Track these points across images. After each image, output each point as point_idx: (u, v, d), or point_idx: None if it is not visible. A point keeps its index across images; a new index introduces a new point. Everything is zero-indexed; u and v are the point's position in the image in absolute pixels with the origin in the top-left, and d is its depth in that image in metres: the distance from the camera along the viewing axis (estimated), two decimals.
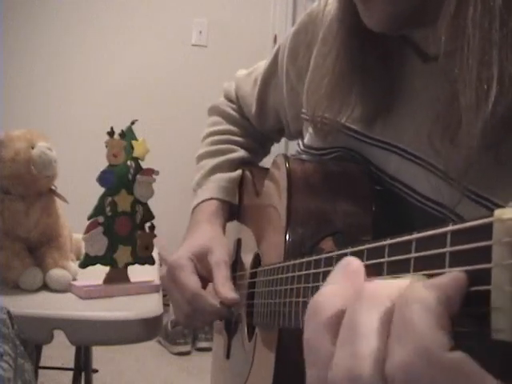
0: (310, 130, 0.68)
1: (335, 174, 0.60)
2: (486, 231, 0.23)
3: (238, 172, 0.84)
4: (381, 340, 0.25)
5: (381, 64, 0.58)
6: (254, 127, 0.89)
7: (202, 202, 0.80)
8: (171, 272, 0.71)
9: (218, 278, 0.69)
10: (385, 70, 0.58)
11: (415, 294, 0.24)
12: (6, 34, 2.66)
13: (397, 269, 0.28)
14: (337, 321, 0.27)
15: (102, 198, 0.94)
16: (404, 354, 0.23)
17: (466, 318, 0.24)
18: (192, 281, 0.69)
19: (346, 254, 0.34)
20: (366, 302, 0.26)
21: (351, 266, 0.29)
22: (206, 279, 0.72)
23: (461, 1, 0.44)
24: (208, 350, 2.33)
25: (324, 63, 0.62)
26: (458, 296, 0.24)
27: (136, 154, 0.97)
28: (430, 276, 0.26)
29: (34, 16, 2.73)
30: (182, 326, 0.77)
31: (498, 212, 0.22)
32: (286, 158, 0.61)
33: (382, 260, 0.29)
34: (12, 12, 2.68)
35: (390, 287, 0.26)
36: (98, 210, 0.93)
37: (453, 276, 0.24)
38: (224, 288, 0.68)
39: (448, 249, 0.25)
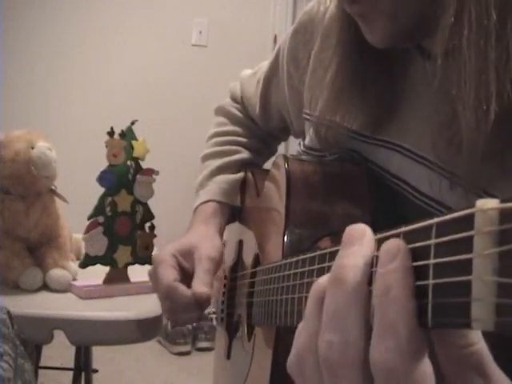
0: (311, 131, 0.68)
1: (335, 174, 0.60)
2: (468, 222, 0.23)
3: (241, 174, 0.84)
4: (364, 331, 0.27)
5: (383, 69, 0.58)
6: (259, 127, 0.89)
7: (203, 203, 0.81)
8: (153, 267, 0.72)
9: (197, 271, 0.69)
10: (386, 77, 0.58)
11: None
12: (6, 34, 2.66)
13: None
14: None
15: (102, 198, 0.94)
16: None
17: (449, 308, 0.24)
18: (168, 274, 0.69)
19: (338, 251, 0.34)
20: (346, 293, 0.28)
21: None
22: (190, 275, 0.71)
23: (455, 21, 0.44)
24: (208, 350, 2.33)
25: (324, 76, 0.61)
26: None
27: (136, 154, 0.97)
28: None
29: (33, 16, 2.74)
30: (169, 321, 0.77)
31: (479, 202, 0.22)
32: (286, 158, 0.61)
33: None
34: (12, 12, 2.68)
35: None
36: (98, 210, 0.93)
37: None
38: (197, 282, 0.68)
39: (433, 241, 0.25)
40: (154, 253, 1.01)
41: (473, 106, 0.43)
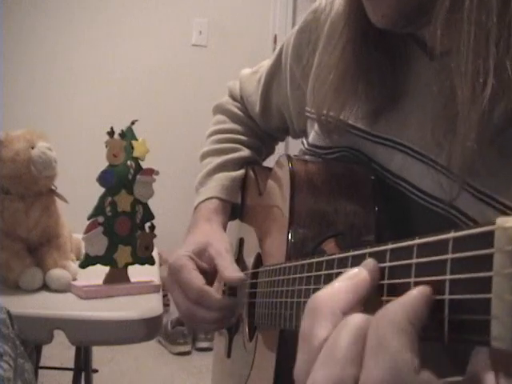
0: (316, 127, 0.67)
1: (338, 174, 0.60)
2: (487, 239, 0.22)
3: (241, 172, 0.84)
4: (355, 365, 0.27)
5: (386, 61, 0.58)
6: (258, 126, 0.89)
7: (204, 200, 0.80)
8: (172, 274, 0.70)
9: (221, 264, 0.68)
10: (390, 67, 0.58)
11: (388, 315, 0.26)
12: (6, 34, 2.66)
13: (398, 274, 0.29)
14: (332, 317, 0.29)
15: (102, 198, 0.93)
16: (379, 373, 0.25)
17: (466, 324, 0.24)
18: (194, 278, 0.68)
19: (347, 258, 0.34)
20: (345, 330, 0.28)
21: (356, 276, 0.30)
22: (210, 273, 0.71)
23: None
24: (208, 350, 2.33)
25: (329, 60, 0.61)
26: (426, 311, 0.26)
27: (136, 154, 0.97)
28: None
29: (34, 16, 2.73)
30: (188, 328, 0.75)
31: (500, 220, 0.22)
32: (290, 158, 0.60)
33: (383, 265, 0.29)
34: (12, 12, 2.68)
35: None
36: (98, 210, 0.93)
37: (420, 291, 0.26)
38: (228, 270, 0.67)
39: (449, 256, 0.25)
40: (153, 253, 1.01)
41: (470, 78, 0.44)
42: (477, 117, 0.44)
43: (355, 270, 0.31)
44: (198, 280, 0.68)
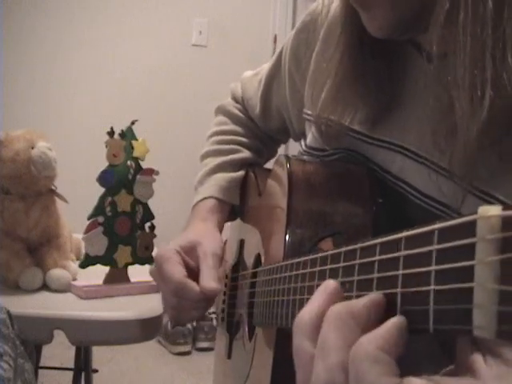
0: (313, 129, 0.68)
1: (336, 175, 0.60)
2: (470, 228, 0.23)
3: (241, 173, 0.84)
4: (345, 352, 0.28)
5: (383, 65, 0.58)
6: (259, 128, 0.89)
7: (201, 200, 0.80)
8: (157, 265, 0.71)
9: (202, 267, 0.69)
10: (388, 71, 0.58)
11: (362, 349, 0.27)
12: (6, 33, 2.66)
13: (387, 267, 0.29)
14: (314, 331, 0.32)
15: (102, 198, 0.94)
16: None
17: (450, 314, 0.24)
18: (176, 271, 0.68)
19: (340, 254, 0.34)
20: (333, 323, 0.30)
21: (328, 287, 0.33)
22: (195, 272, 0.71)
23: (452, 7, 0.44)
24: (208, 350, 2.33)
25: (327, 67, 0.61)
26: (401, 339, 0.27)
27: (136, 154, 0.97)
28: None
29: (34, 16, 2.73)
30: (172, 319, 0.75)
31: (482, 209, 0.22)
32: (288, 158, 0.61)
33: (373, 258, 0.30)
34: (12, 12, 2.68)
35: (352, 307, 0.30)
36: (98, 210, 0.93)
37: (393, 322, 0.27)
38: (205, 277, 0.67)
39: (435, 246, 0.25)
40: (153, 252, 1.01)
41: (468, 92, 0.44)
42: (476, 128, 0.44)
43: (327, 282, 0.33)
44: (178, 273, 0.68)
